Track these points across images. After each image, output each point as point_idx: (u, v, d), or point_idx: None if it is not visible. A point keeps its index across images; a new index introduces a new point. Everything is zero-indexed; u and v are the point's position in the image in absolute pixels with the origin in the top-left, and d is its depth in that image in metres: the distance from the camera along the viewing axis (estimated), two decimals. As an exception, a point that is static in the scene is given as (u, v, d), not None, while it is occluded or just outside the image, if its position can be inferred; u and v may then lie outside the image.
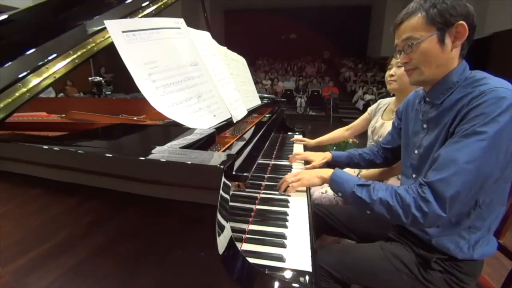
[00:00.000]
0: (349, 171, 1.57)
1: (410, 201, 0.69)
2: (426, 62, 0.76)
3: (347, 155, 1.21)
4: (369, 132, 1.53)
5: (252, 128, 0.96)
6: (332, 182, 0.86)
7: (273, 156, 1.31)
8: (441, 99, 0.78)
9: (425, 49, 0.74)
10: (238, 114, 0.91)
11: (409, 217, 0.69)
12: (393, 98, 1.46)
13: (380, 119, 1.47)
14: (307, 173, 0.96)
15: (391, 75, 1.34)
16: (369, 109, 1.63)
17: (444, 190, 0.66)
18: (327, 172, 0.89)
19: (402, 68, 1.26)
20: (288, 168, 1.25)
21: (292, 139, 1.71)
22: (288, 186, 0.95)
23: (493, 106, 0.65)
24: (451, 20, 0.71)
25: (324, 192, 1.44)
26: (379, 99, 1.56)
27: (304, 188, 1.02)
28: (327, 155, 1.24)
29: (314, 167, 1.19)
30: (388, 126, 1.35)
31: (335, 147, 3.00)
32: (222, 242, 0.46)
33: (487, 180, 0.68)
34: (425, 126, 0.84)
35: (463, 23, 0.70)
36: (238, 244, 0.52)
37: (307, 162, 1.28)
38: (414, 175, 0.88)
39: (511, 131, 0.65)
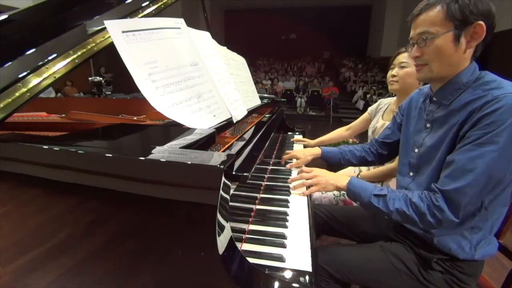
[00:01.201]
0: (350, 170, 1.58)
1: (425, 209, 0.71)
2: (437, 59, 0.74)
3: (337, 151, 1.21)
4: (369, 133, 1.53)
5: (252, 128, 0.96)
6: (349, 192, 0.86)
7: (273, 156, 1.31)
8: (449, 99, 0.77)
9: (438, 45, 0.72)
10: (238, 114, 0.91)
11: (424, 223, 0.73)
12: (394, 98, 1.45)
13: (381, 119, 1.46)
14: (324, 179, 0.94)
15: (393, 75, 1.32)
16: (369, 109, 1.61)
17: (459, 199, 0.68)
18: (343, 181, 0.88)
19: (405, 69, 1.26)
20: (288, 169, 1.25)
21: (292, 139, 1.71)
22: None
23: (506, 113, 0.64)
24: (470, 19, 0.68)
25: (324, 192, 1.44)
26: (378, 99, 1.56)
27: (304, 188, 1.02)
28: (315, 151, 1.23)
29: (298, 165, 1.19)
30: None
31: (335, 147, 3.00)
32: (222, 242, 0.46)
33: (499, 184, 0.69)
34: (428, 125, 0.83)
35: (481, 24, 0.68)
36: (238, 244, 0.51)
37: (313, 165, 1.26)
38: (411, 173, 0.88)
39: None
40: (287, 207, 0.89)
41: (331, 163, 1.24)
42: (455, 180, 0.69)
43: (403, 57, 1.29)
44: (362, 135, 1.60)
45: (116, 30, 0.61)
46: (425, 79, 0.81)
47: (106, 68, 7.73)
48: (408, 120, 0.94)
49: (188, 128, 0.65)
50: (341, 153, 1.19)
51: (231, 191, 0.56)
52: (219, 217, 0.45)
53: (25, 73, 0.61)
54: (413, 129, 0.90)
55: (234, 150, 0.69)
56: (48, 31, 0.70)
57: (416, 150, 0.85)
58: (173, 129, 0.67)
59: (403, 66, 1.28)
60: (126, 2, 0.87)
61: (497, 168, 0.66)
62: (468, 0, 0.68)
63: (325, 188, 0.93)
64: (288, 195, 0.97)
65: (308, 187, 1.00)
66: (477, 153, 0.66)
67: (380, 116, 1.48)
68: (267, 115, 1.34)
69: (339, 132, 1.78)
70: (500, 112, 0.64)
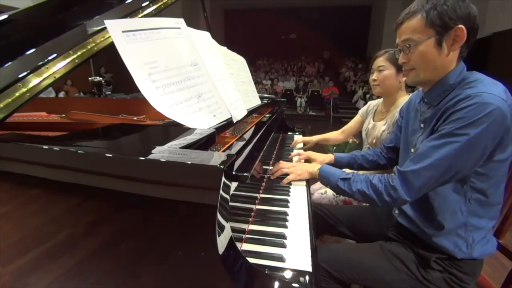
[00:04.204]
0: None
1: (382, 189, 0.78)
2: (423, 64, 0.77)
3: (350, 157, 1.23)
4: (363, 135, 1.54)
5: (252, 128, 0.96)
6: (320, 177, 0.96)
7: (273, 156, 1.31)
8: (437, 100, 0.79)
9: (422, 51, 0.76)
10: (238, 114, 0.91)
11: (382, 202, 0.79)
12: (382, 99, 1.47)
13: (371, 121, 1.48)
14: (299, 168, 1.04)
15: (374, 80, 1.36)
16: (360, 111, 1.64)
17: (414, 180, 0.74)
18: (314, 168, 0.99)
19: (383, 72, 1.31)
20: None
21: (291, 145, 1.63)
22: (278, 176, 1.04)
23: (475, 111, 0.67)
24: (450, 24, 0.71)
25: (323, 192, 1.44)
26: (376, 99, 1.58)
27: (304, 188, 1.02)
28: (329, 157, 1.24)
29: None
30: (379, 127, 1.37)
31: (335, 147, 3.00)
32: (222, 242, 0.46)
33: (458, 173, 0.72)
34: (422, 125, 0.86)
35: (461, 27, 0.71)
36: (238, 244, 0.52)
37: (307, 161, 1.29)
38: None
39: (491, 134, 0.67)
40: (287, 207, 0.89)
41: (344, 167, 1.25)
42: (414, 163, 0.74)
43: (380, 61, 1.33)
44: (361, 135, 1.63)
45: (116, 30, 0.61)
46: (413, 83, 0.84)
47: (106, 68, 7.73)
48: (407, 122, 0.96)
49: (188, 128, 0.65)
50: (354, 158, 1.22)
51: (231, 191, 0.56)
52: (219, 217, 0.45)
53: (25, 73, 0.61)
54: (410, 130, 0.92)
55: (234, 150, 0.69)
56: (48, 31, 0.70)
57: (412, 150, 0.88)
58: (173, 129, 0.67)
59: (381, 70, 1.32)
60: (126, 2, 0.87)
61: (456, 159, 0.70)
62: (446, 6, 0.71)
63: (301, 175, 1.02)
64: (288, 195, 0.97)
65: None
66: (439, 142, 0.71)
67: (371, 118, 1.50)
68: (267, 115, 1.34)
69: (334, 135, 1.80)
70: (469, 109, 0.67)
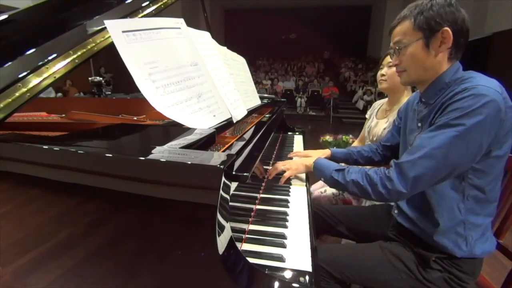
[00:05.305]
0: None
1: (377, 181, 0.78)
2: (413, 65, 0.81)
3: (346, 152, 1.25)
4: (366, 133, 1.54)
5: (252, 128, 0.96)
6: (315, 170, 0.96)
7: (273, 156, 1.31)
8: (434, 98, 0.81)
9: (411, 53, 0.79)
10: (238, 114, 0.91)
11: (376, 194, 0.78)
12: (386, 99, 1.47)
13: (375, 119, 1.48)
14: (294, 163, 1.05)
15: (382, 75, 1.37)
16: (367, 115, 1.63)
17: (409, 170, 0.73)
18: (310, 161, 1.00)
19: (393, 68, 1.28)
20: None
21: (290, 155, 1.39)
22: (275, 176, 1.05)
23: (470, 101, 0.68)
24: (436, 27, 0.74)
25: (323, 191, 1.44)
26: (379, 99, 1.58)
27: (304, 188, 1.02)
28: (326, 152, 1.27)
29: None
30: (381, 125, 1.37)
31: (335, 147, 3.01)
32: (222, 242, 0.46)
33: (456, 169, 0.72)
34: (419, 124, 0.87)
35: (447, 30, 0.74)
36: (238, 244, 0.51)
37: None
38: None
39: (487, 126, 0.68)
40: (287, 207, 0.89)
41: (340, 162, 1.26)
42: (410, 154, 0.75)
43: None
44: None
45: (116, 30, 0.61)
46: (406, 84, 0.89)
47: (106, 68, 7.72)
48: (405, 122, 0.98)
49: (188, 128, 0.65)
50: (350, 153, 1.24)
51: (231, 191, 0.56)
52: (219, 217, 0.45)
53: (25, 73, 0.60)
54: (408, 129, 0.93)
55: (234, 150, 0.69)
56: (48, 31, 0.70)
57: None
58: (173, 129, 0.67)
59: (391, 66, 1.31)
60: (126, 2, 0.87)
61: (452, 149, 0.70)
62: (432, 11, 0.75)
63: (297, 169, 1.03)
64: (288, 195, 0.97)
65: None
66: (435, 133, 0.72)
67: (374, 116, 1.51)
68: (267, 115, 1.34)
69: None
70: (464, 100, 0.69)
